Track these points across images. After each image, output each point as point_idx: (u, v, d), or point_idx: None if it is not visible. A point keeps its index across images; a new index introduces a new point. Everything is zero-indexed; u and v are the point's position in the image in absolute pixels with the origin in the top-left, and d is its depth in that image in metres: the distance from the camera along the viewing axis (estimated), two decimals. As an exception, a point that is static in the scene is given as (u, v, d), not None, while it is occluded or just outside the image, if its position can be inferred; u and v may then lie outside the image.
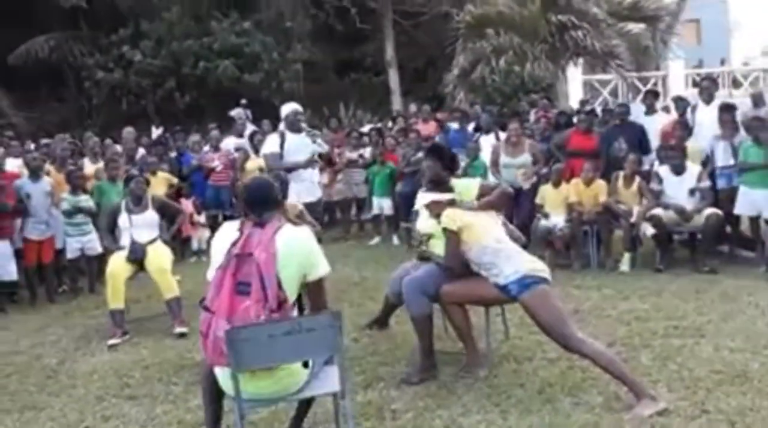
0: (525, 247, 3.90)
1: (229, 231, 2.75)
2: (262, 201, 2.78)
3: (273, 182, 3.00)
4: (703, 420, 3.09)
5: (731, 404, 3.20)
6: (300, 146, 5.89)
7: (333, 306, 5.04)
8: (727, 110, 6.62)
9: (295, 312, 2.71)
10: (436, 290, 3.78)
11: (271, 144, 5.96)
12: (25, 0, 14.63)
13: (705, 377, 3.55)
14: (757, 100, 7.99)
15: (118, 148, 8.83)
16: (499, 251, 3.56)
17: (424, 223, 4.04)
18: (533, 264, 3.55)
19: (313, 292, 2.77)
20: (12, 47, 15.24)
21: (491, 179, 6.64)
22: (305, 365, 2.65)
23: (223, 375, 2.61)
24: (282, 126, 6.05)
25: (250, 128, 10.50)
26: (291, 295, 2.63)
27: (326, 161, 8.62)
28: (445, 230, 3.65)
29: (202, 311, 2.65)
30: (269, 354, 2.43)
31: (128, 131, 9.49)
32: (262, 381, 2.56)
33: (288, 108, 6.02)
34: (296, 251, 2.65)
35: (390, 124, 10.64)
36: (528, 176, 6.91)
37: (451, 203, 3.74)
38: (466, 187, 3.93)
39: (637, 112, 7.79)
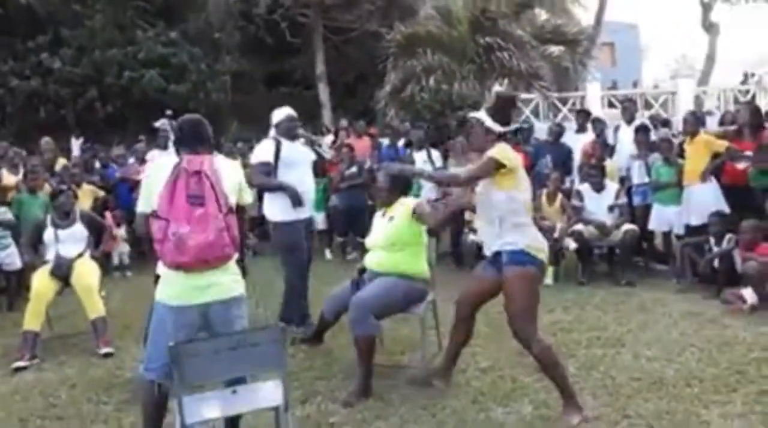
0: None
1: (166, 163, 2.92)
2: (197, 136, 3.03)
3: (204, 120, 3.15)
4: (624, 424, 3.29)
5: (649, 409, 3.43)
6: (298, 155, 5.06)
7: (268, 320, 5.08)
8: (642, 130, 7.06)
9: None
10: (384, 311, 3.86)
11: (263, 152, 4.96)
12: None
13: (625, 384, 3.78)
14: (656, 123, 8.52)
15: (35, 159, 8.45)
16: (518, 212, 3.37)
17: (378, 231, 4.16)
18: (535, 242, 3.40)
19: (240, 217, 3.07)
20: None
21: (426, 195, 6.77)
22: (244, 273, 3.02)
23: (177, 279, 2.82)
24: (273, 133, 5.12)
25: (172, 139, 10.32)
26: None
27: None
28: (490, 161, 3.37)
29: (154, 220, 2.82)
30: (214, 369, 2.43)
31: (46, 142, 9.09)
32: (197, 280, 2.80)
33: (281, 114, 5.11)
34: (233, 174, 3.03)
35: (324, 138, 10.66)
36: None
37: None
38: (403, 204, 4.10)
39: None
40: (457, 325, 3.77)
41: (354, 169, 8.05)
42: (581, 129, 8.14)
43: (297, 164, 4.99)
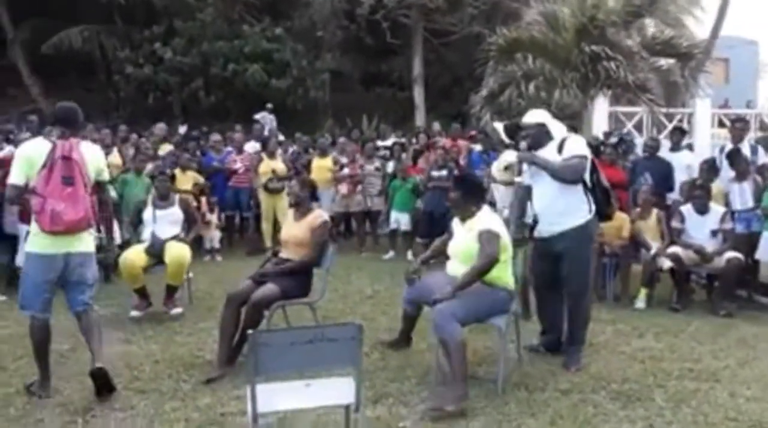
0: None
1: (39, 145, 3.66)
2: (68, 120, 3.76)
3: (76, 107, 3.85)
4: (716, 466, 3.04)
5: (746, 453, 3.15)
6: None
7: (344, 319, 5.11)
8: (737, 152, 6.60)
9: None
10: (468, 318, 3.76)
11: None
12: (63, -9, 14.91)
13: (719, 424, 3.49)
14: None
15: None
16: None
17: (460, 243, 4.06)
18: None
19: (104, 188, 3.95)
20: (45, 36, 15.51)
21: None
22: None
23: (48, 237, 3.59)
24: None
25: (266, 132, 10.64)
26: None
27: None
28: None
29: (33, 195, 3.58)
30: (289, 361, 2.43)
31: (160, 128, 9.60)
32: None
33: None
34: (93, 158, 3.76)
35: (413, 139, 10.66)
36: None
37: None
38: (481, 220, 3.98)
39: (663, 148, 7.78)
40: None
41: (444, 172, 7.96)
42: (675, 147, 7.70)
43: None
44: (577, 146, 4.28)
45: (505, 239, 3.95)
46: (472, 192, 4.08)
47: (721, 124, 14.46)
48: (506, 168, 6.91)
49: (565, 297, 4.35)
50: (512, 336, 4.29)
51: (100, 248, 4.03)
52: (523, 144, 4.42)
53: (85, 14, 16.00)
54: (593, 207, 4.32)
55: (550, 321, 4.56)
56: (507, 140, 6.69)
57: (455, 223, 4.22)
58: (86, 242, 3.73)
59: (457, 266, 4.03)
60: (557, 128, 4.42)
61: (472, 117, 10.72)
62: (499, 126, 6.97)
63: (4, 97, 15.67)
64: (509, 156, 6.68)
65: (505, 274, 3.97)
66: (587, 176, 4.28)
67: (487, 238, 3.84)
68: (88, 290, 3.83)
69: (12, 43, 16.19)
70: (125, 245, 5.85)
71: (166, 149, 8.88)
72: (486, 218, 3.98)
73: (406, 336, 4.58)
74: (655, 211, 6.49)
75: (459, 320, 3.68)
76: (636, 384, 4.01)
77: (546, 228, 4.37)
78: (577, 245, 4.25)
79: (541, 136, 4.34)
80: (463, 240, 4.04)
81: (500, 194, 6.73)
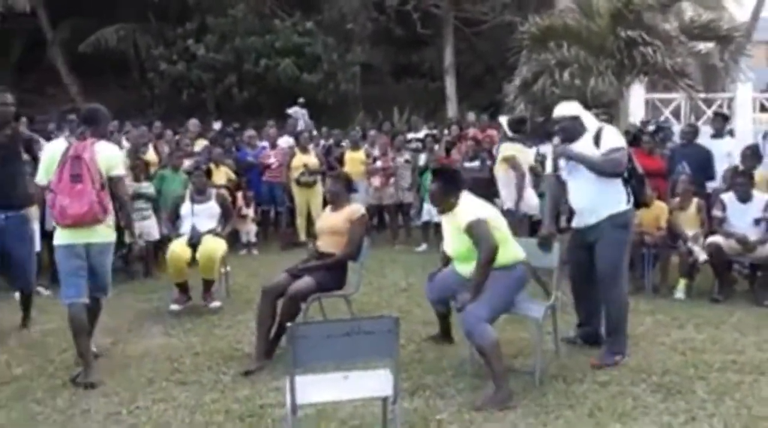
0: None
1: (58, 145, 4.02)
2: (90, 121, 4.12)
3: (101, 108, 4.23)
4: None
5: (792, 446, 3.07)
6: None
7: (380, 312, 5.13)
8: None
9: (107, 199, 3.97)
10: (496, 314, 3.73)
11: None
12: (98, -9, 15.18)
13: (764, 417, 3.41)
14: None
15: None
16: None
17: (451, 242, 3.98)
18: None
19: (119, 184, 4.11)
20: (83, 35, 15.83)
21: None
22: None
23: (65, 230, 3.91)
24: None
25: (300, 126, 10.69)
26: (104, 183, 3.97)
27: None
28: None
29: (49, 192, 3.91)
30: (327, 353, 2.46)
31: (194, 124, 9.72)
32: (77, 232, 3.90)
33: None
34: (105, 157, 3.99)
35: (446, 131, 10.60)
36: None
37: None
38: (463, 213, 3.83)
39: (703, 135, 7.59)
40: None
41: (476, 163, 7.90)
42: (718, 134, 7.49)
43: None
44: (615, 138, 4.20)
45: (494, 218, 3.83)
46: (450, 183, 3.92)
47: (763, 108, 14.04)
48: (539, 163, 6.85)
49: (602, 286, 4.27)
50: (549, 327, 4.25)
51: (121, 244, 4.27)
52: (556, 139, 4.36)
53: (121, 13, 16.28)
54: (631, 198, 4.25)
55: (587, 312, 4.50)
56: (510, 134, 6.65)
57: (443, 220, 4.08)
58: (103, 234, 4.01)
59: (460, 265, 3.99)
60: (590, 119, 4.34)
61: (505, 107, 10.60)
62: (503, 120, 6.93)
63: (44, 96, 16.04)
64: (509, 149, 6.64)
65: (509, 250, 3.83)
66: None
67: (477, 229, 3.71)
68: (107, 276, 4.16)
69: (51, 44, 16.56)
70: (164, 240, 5.96)
71: (201, 144, 8.99)
72: (467, 208, 3.84)
73: (445, 333, 4.56)
74: (695, 200, 6.35)
75: (487, 320, 3.62)
76: (676, 376, 3.95)
77: (583, 220, 4.31)
78: (611, 233, 4.16)
79: (574, 129, 4.26)
80: (452, 238, 3.95)
81: (501, 183, 6.69)
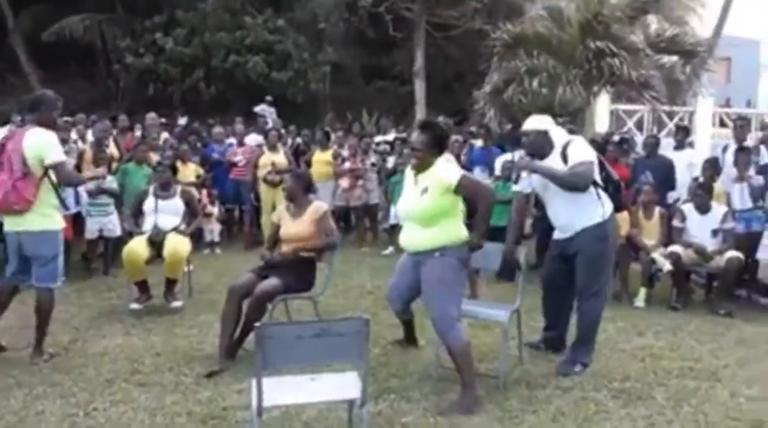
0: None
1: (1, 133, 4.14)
2: (30, 109, 4.10)
3: (46, 94, 4.24)
4: (717, 466, 3.05)
5: (747, 453, 3.15)
6: None
7: (345, 314, 5.09)
8: (742, 151, 6.58)
9: (47, 186, 4.04)
10: (459, 303, 3.69)
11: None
12: (65, -22, 14.84)
13: (719, 423, 3.50)
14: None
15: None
16: None
17: (410, 204, 3.72)
18: None
19: (56, 171, 4.04)
20: (46, 24, 15.44)
21: None
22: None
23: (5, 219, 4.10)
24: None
25: (269, 125, 10.59)
26: (36, 172, 3.97)
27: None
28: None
29: None
30: (295, 354, 2.43)
31: (151, 117, 9.51)
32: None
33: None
34: (33, 145, 3.93)
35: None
36: None
37: None
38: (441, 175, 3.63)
39: (664, 146, 7.77)
40: None
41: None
42: (680, 146, 7.69)
43: None
44: (582, 151, 4.07)
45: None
46: (436, 138, 3.67)
47: (722, 123, 14.44)
48: (507, 169, 6.89)
49: (579, 297, 4.22)
50: (513, 333, 4.28)
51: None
52: (519, 152, 4.28)
53: (87, 3, 15.93)
54: (608, 206, 4.16)
55: (554, 318, 4.54)
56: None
57: (406, 184, 3.83)
58: (34, 222, 4.02)
59: (413, 233, 3.71)
60: (558, 133, 4.22)
61: (474, 113, 10.69)
62: None
63: (3, 83, 15.61)
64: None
65: (459, 230, 3.69)
66: (597, 176, 4.14)
67: (469, 180, 3.64)
68: (45, 265, 4.08)
69: (12, 31, 16.11)
70: (126, 236, 5.82)
71: (163, 138, 8.83)
72: (448, 166, 3.74)
73: (410, 337, 4.54)
74: (657, 210, 6.48)
75: (458, 318, 3.62)
76: (637, 383, 4.02)
77: (561, 234, 4.27)
78: (590, 246, 4.08)
79: (542, 144, 4.14)
80: (414, 202, 3.68)
81: None
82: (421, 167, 3.67)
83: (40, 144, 3.96)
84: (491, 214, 3.67)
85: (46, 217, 4.06)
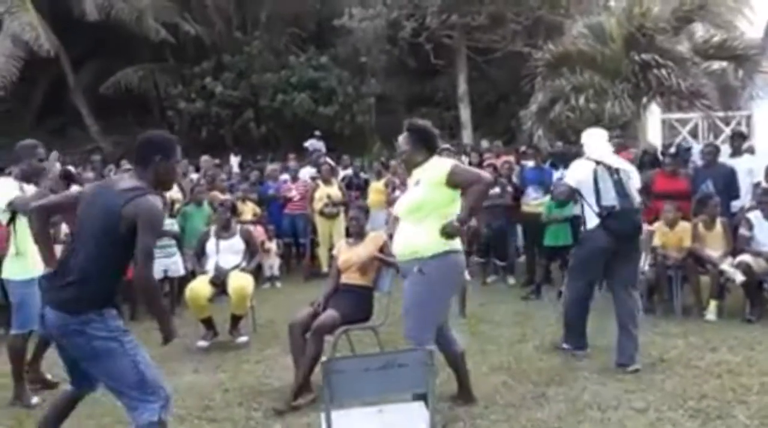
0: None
1: None
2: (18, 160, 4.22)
3: (27, 144, 4.28)
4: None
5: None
6: None
7: (406, 344, 5.07)
8: None
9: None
10: (434, 321, 3.68)
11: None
12: (118, 33, 15.57)
13: (809, 439, 3.33)
14: None
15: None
16: None
17: (413, 200, 3.69)
18: None
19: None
20: (103, 77, 16.22)
21: None
22: None
23: None
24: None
25: (324, 157, 10.79)
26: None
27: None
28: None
29: None
30: (362, 387, 2.44)
31: (205, 160, 9.85)
32: None
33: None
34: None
35: (464, 157, 10.63)
36: None
37: None
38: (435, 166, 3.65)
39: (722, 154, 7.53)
40: None
41: (497, 189, 7.88)
42: (736, 152, 7.45)
43: None
44: (571, 171, 4.80)
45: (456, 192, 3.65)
46: (421, 140, 3.72)
47: (782, 125, 13.92)
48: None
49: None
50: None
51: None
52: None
53: (139, 54, 16.68)
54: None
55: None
56: None
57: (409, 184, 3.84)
58: (7, 270, 4.22)
59: (402, 232, 3.71)
60: (594, 148, 4.76)
61: (522, 133, 10.65)
62: None
63: (64, 138, 16.38)
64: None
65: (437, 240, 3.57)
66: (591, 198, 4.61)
67: (461, 167, 3.67)
68: (20, 311, 4.18)
69: (74, 88, 16.94)
70: (190, 276, 5.98)
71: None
72: (440, 160, 3.72)
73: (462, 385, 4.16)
74: (719, 220, 6.28)
75: (431, 339, 3.54)
76: (714, 401, 3.86)
77: None
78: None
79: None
80: (413, 196, 3.68)
81: None
82: (411, 165, 3.75)
83: (3, 193, 4.10)
84: (485, 196, 3.78)
85: (16, 265, 4.17)
